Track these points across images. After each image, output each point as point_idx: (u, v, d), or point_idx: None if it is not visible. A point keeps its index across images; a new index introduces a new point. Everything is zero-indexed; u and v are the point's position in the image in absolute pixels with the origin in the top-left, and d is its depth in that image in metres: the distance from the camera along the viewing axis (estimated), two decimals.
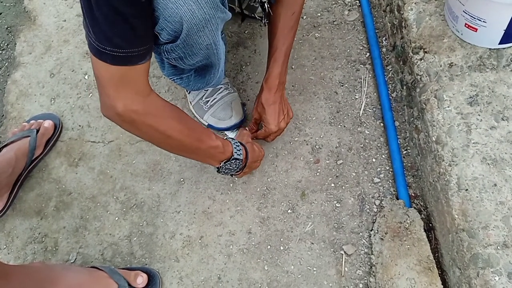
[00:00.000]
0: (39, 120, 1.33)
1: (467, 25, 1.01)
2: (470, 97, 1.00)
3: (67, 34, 1.53)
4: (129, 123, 0.83)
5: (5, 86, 1.48)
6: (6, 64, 1.54)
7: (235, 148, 1.04)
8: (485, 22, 0.96)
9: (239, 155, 1.04)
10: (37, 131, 1.30)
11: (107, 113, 0.83)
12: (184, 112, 0.95)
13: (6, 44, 1.58)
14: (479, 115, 0.98)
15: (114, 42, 0.73)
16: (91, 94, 1.41)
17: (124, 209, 1.23)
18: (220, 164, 1.02)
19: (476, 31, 1.00)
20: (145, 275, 1.09)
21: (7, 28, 1.61)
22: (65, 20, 1.56)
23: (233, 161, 1.02)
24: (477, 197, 0.91)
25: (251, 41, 1.43)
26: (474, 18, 0.97)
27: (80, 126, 1.37)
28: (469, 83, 1.01)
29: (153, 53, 1.02)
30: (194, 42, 0.88)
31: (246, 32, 1.45)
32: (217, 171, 1.06)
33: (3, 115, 1.44)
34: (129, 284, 1.07)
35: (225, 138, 1.05)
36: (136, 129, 0.85)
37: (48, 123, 1.32)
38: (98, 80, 0.80)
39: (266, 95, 1.12)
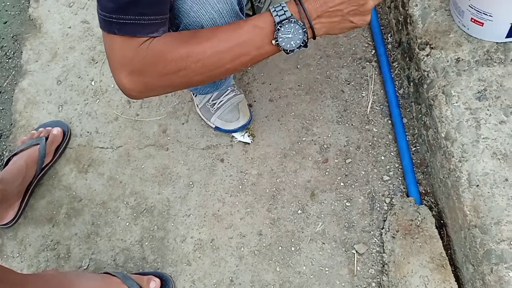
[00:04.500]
0: (47, 128, 1.34)
1: (473, 20, 1.00)
2: (478, 92, 0.99)
3: (72, 41, 1.54)
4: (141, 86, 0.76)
5: (12, 94, 1.49)
6: (13, 73, 1.55)
7: (275, 11, 0.76)
8: (491, 16, 0.96)
9: (283, 13, 0.75)
10: (46, 138, 1.30)
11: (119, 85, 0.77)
12: (194, 31, 0.79)
13: (12, 52, 1.59)
14: (488, 110, 0.97)
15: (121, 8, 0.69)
16: (98, 100, 1.41)
17: (135, 214, 1.24)
18: (273, 43, 0.77)
19: (482, 26, 0.99)
20: (158, 280, 1.09)
21: (13, 37, 1.62)
22: (70, 27, 1.57)
23: (279, 29, 0.75)
24: (488, 192, 0.90)
25: None
26: (480, 12, 0.96)
27: (88, 132, 1.37)
28: (477, 78, 1.01)
29: None
30: None
31: None
32: (286, 52, 0.79)
33: (11, 124, 1.45)
34: None
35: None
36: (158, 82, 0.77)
37: (56, 131, 1.33)
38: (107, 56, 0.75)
39: None
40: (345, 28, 0.80)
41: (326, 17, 0.77)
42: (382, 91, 1.29)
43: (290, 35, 0.76)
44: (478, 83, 1.00)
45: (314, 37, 0.79)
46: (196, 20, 0.80)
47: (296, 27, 0.75)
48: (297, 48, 0.78)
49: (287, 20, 0.74)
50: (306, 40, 0.78)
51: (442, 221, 1.08)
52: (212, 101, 1.27)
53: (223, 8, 0.81)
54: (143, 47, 0.72)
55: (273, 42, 0.76)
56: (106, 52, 0.75)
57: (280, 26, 0.75)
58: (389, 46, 1.34)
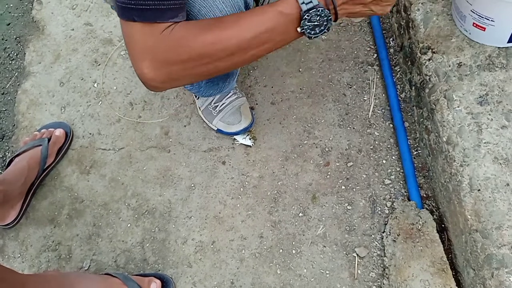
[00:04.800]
0: (50, 129, 1.35)
1: (475, 25, 1.00)
2: (480, 97, 0.99)
3: (75, 43, 1.55)
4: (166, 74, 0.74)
5: (15, 96, 1.50)
6: (16, 74, 1.56)
7: None
8: (493, 21, 0.96)
9: (310, 1, 0.74)
10: (49, 139, 1.31)
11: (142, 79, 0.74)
12: (216, 18, 0.78)
13: (15, 54, 1.60)
14: (489, 114, 0.97)
15: None
16: (100, 102, 1.42)
17: (136, 216, 1.24)
18: (299, 30, 0.77)
19: (484, 30, 1.00)
20: (158, 281, 1.09)
21: (16, 38, 1.63)
22: (73, 29, 1.57)
23: (306, 18, 0.74)
24: (489, 197, 0.90)
25: None
26: (482, 17, 0.97)
27: (90, 134, 1.38)
28: (478, 82, 1.01)
29: None
30: None
31: None
32: (309, 37, 0.79)
33: (14, 125, 1.45)
34: None
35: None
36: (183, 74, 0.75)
37: (59, 132, 1.33)
38: (127, 47, 0.73)
39: None
40: (364, 14, 0.82)
41: (350, 4, 0.78)
42: (384, 95, 1.29)
43: (316, 23, 0.75)
44: (479, 87, 1.00)
45: (335, 20, 0.79)
46: None
47: (323, 15, 0.75)
48: (320, 34, 0.78)
49: (314, 9, 0.74)
50: (330, 26, 0.78)
51: (443, 225, 1.08)
52: (214, 103, 1.27)
53: (230, 12, 0.82)
54: (165, 33, 0.70)
55: (299, 30, 0.76)
56: (126, 42, 0.72)
57: (308, 15, 0.74)
58: (391, 50, 1.34)
